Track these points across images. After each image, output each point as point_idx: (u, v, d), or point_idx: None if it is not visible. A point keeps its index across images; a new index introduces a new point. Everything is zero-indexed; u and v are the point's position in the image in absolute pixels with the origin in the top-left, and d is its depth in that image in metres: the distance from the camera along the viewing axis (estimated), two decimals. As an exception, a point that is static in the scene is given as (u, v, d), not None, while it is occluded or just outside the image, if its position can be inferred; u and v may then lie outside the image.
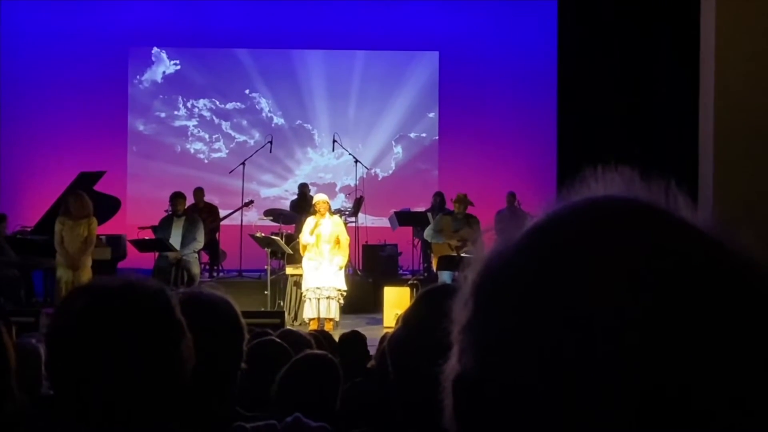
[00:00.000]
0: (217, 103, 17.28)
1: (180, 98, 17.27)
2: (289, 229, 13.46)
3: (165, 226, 12.25)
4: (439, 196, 14.53)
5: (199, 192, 13.99)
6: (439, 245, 12.12)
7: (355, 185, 15.08)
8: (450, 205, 13.13)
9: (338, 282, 11.36)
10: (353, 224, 14.07)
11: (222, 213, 14.58)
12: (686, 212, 0.64)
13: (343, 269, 11.51)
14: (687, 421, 0.57)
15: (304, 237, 11.41)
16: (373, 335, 7.22)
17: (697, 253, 0.61)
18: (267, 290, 12.20)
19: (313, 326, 10.74)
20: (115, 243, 12.66)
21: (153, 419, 1.60)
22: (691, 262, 0.61)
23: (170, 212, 12.39)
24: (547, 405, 0.60)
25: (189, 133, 17.29)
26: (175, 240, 11.97)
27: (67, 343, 1.60)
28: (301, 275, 11.61)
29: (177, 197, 12.35)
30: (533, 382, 0.60)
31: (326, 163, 17.26)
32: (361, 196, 14.61)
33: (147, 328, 1.59)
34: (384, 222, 15.34)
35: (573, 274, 0.61)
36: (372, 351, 5.75)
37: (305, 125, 17.25)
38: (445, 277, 11.42)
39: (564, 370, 0.59)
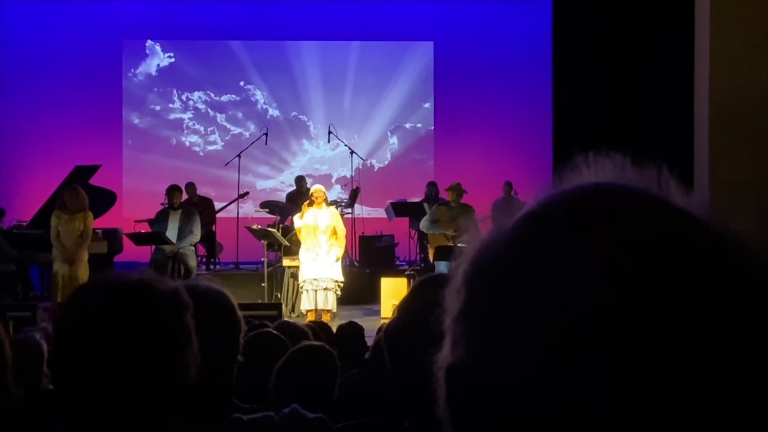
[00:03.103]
0: (212, 95, 17.26)
1: (175, 91, 17.25)
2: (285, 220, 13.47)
3: (161, 219, 12.24)
4: (432, 186, 14.53)
5: (190, 187, 13.98)
6: (436, 236, 12.13)
7: (351, 176, 15.07)
8: (443, 194, 13.13)
9: (335, 273, 11.36)
10: (349, 215, 14.07)
11: (217, 206, 14.59)
12: (678, 197, 0.64)
13: (339, 260, 11.51)
14: (683, 413, 0.57)
15: (297, 221, 11.45)
16: (370, 326, 7.23)
17: (689, 238, 0.61)
18: (264, 282, 12.20)
19: (311, 318, 10.75)
20: (112, 237, 12.64)
21: (152, 418, 1.60)
22: (684, 247, 0.61)
23: (166, 205, 12.38)
24: (539, 393, 0.60)
25: (184, 125, 17.28)
26: (172, 233, 11.97)
27: (73, 337, 1.60)
28: (298, 267, 11.62)
29: (173, 190, 12.34)
30: (525, 370, 0.60)
31: (322, 155, 17.25)
32: (357, 187, 14.60)
33: (153, 330, 1.58)
34: (380, 213, 15.35)
35: (564, 261, 0.60)
36: (369, 342, 5.76)
37: (300, 117, 17.23)
38: (441, 267, 11.42)
39: (555, 358, 0.59)
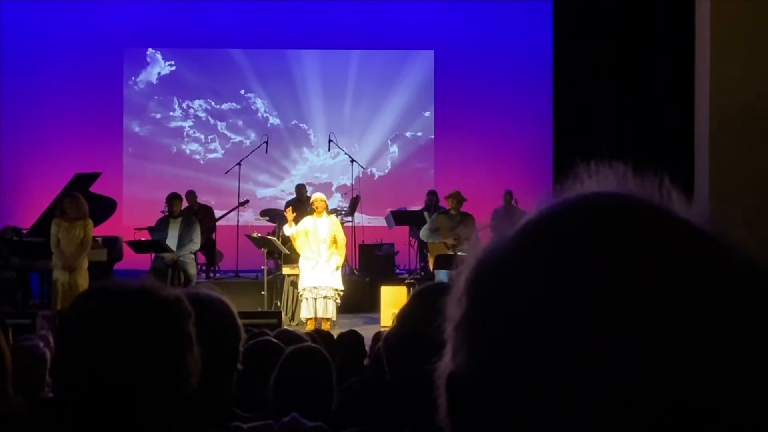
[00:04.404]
0: (213, 103, 17.27)
1: (175, 99, 17.26)
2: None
3: (161, 227, 12.24)
4: (433, 195, 14.54)
5: (191, 195, 13.98)
6: (436, 244, 12.13)
7: (352, 185, 15.07)
8: (444, 203, 13.14)
9: (335, 282, 11.35)
10: (350, 224, 14.07)
11: (218, 214, 14.58)
12: (680, 207, 0.64)
13: (339, 269, 11.50)
14: (681, 424, 0.57)
15: (287, 230, 11.44)
16: (370, 335, 7.22)
17: (690, 249, 0.61)
18: (264, 290, 12.19)
19: (310, 326, 10.74)
20: (112, 244, 12.64)
21: (152, 425, 1.59)
22: (685, 259, 0.60)
23: (166, 213, 12.38)
24: (539, 402, 0.59)
25: (184, 133, 17.28)
26: (172, 241, 11.96)
27: (74, 344, 1.59)
28: (297, 275, 11.60)
29: (173, 198, 12.34)
30: (526, 379, 0.60)
31: (322, 163, 17.25)
32: (358, 196, 14.60)
33: (155, 337, 1.58)
34: (380, 221, 15.34)
35: (565, 271, 0.60)
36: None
37: (301, 125, 17.24)
38: (441, 275, 11.41)
39: (556, 369, 0.59)
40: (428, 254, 12.57)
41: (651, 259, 0.60)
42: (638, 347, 0.57)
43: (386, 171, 17.38)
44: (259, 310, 11.54)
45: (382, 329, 10.03)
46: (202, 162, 17.19)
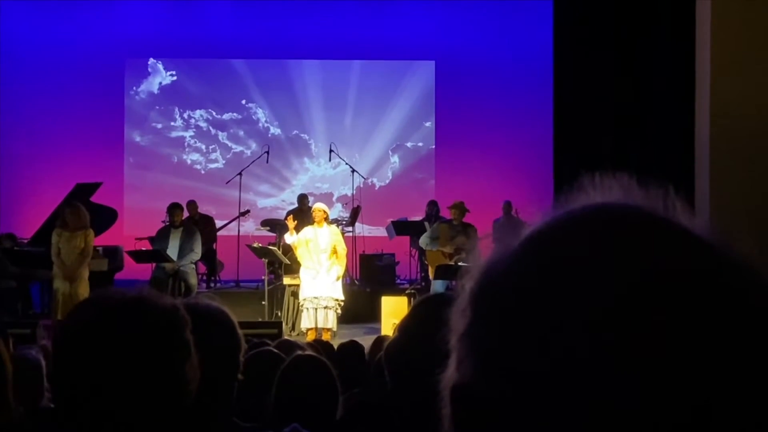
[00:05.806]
0: (214, 113, 17.29)
1: (176, 109, 17.28)
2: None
3: (162, 237, 12.24)
4: (433, 205, 14.54)
5: (192, 204, 13.98)
6: (434, 253, 12.10)
7: (352, 195, 15.07)
8: (445, 213, 13.13)
9: (336, 292, 11.34)
10: (350, 234, 14.06)
11: (219, 224, 14.59)
12: (685, 219, 0.64)
13: (340, 279, 11.49)
14: (683, 429, 0.57)
15: (288, 238, 11.43)
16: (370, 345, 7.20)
17: (698, 262, 0.61)
18: (264, 300, 12.18)
19: (311, 336, 10.72)
20: (112, 254, 12.63)
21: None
22: (693, 271, 0.60)
23: (167, 223, 12.38)
24: (545, 413, 0.59)
25: (186, 143, 17.30)
26: (173, 251, 11.96)
27: (72, 353, 1.59)
28: (298, 285, 11.60)
29: (174, 208, 12.35)
30: (531, 389, 0.60)
31: (323, 173, 17.26)
32: (358, 206, 14.61)
33: (153, 346, 1.57)
34: (381, 231, 15.34)
35: (572, 282, 0.60)
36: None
37: (302, 135, 17.26)
38: (438, 286, 11.40)
39: (562, 379, 0.59)
40: (428, 264, 12.56)
41: (656, 271, 0.60)
42: (643, 360, 0.57)
43: (387, 181, 17.39)
44: (260, 320, 11.53)
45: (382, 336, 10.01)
46: (203, 172, 17.21)
